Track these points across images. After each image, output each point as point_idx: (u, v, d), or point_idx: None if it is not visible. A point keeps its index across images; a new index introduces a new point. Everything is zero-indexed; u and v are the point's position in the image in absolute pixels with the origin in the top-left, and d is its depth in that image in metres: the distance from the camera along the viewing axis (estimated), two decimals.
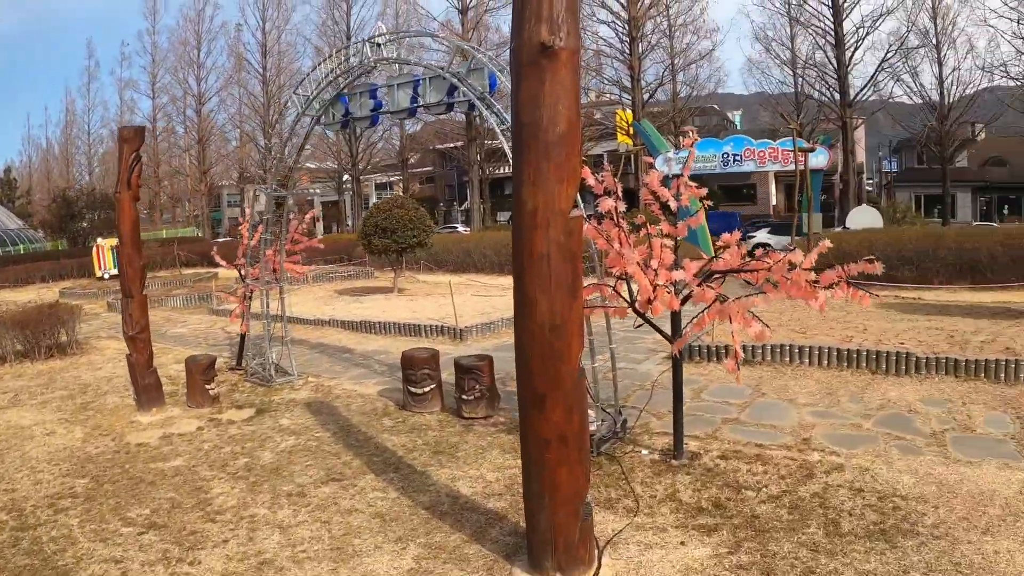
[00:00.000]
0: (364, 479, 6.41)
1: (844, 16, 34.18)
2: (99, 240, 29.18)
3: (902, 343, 9.76)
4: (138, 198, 9.31)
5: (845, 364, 9.13)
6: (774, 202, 47.77)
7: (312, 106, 9.53)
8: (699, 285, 5.33)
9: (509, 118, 7.20)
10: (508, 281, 7.35)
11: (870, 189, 54.24)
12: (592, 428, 6.57)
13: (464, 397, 7.96)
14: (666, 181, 6.00)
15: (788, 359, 9.43)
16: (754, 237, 31.10)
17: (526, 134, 3.86)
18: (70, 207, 43.96)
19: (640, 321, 5.73)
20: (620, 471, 6.16)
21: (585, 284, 6.15)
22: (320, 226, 62.19)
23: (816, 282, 5.00)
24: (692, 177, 5.99)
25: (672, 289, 5.75)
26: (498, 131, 7.25)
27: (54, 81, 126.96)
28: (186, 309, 19.99)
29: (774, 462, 6.20)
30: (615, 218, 5.55)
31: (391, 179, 62.45)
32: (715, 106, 52.12)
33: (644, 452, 6.60)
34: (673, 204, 5.93)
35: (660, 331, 6.00)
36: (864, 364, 9.01)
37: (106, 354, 13.04)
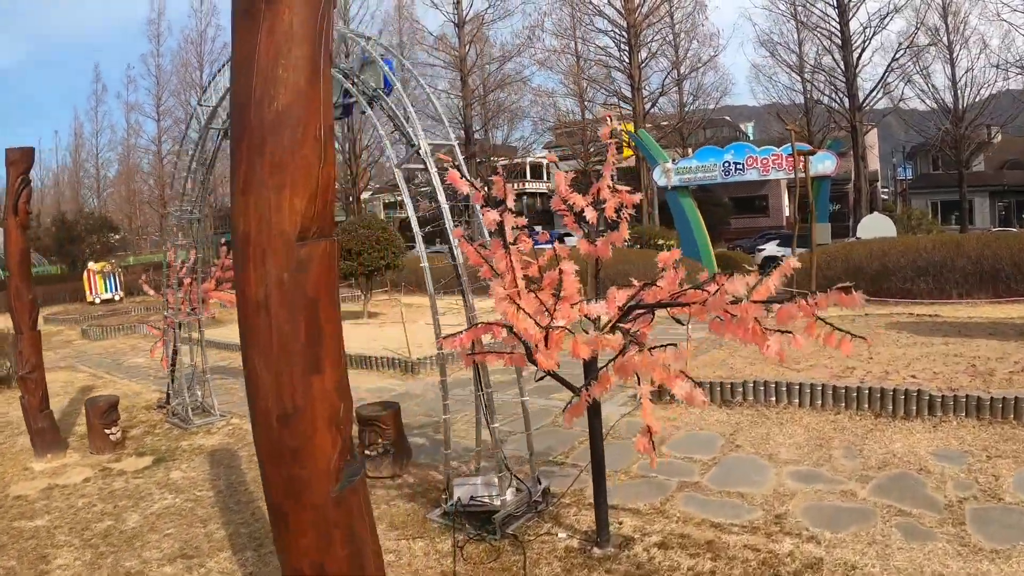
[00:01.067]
0: (217, 557, 5.33)
1: (851, 15, 32.49)
2: (90, 264, 28.36)
3: (913, 375, 8.19)
4: (27, 225, 8.40)
5: (843, 405, 7.56)
6: (787, 213, 46.10)
7: (219, 116, 8.41)
8: (610, 329, 3.87)
9: (404, 121, 5.88)
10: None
11: (885, 197, 52.47)
12: (496, 503, 5.15)
13: (367, 453, 6.57)
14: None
15: (774, 399, 7.84)
16: (763, 250, 29.53)
17: (238, 117, 2.43)
18: (69, 231, 43.14)
19: (541, 372, 4.25)
20: (522, 563, 4.68)
21: (477, 323, 4.77)
22: None
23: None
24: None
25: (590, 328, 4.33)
26: (386, 143, 6.01)
27: (64, 107, 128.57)
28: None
29: (729, 554, 4.68)
30: (503, 237, 4.13)
31: (399, 198, 61.19)
32: (726, 117, 50.58)
33: (561, 536, 5.09)
34: (590, 214, 4.52)
35: (568, 385, 4.51)
36: (866, 405, 7.43)
37: (51, 388, 11.97)
